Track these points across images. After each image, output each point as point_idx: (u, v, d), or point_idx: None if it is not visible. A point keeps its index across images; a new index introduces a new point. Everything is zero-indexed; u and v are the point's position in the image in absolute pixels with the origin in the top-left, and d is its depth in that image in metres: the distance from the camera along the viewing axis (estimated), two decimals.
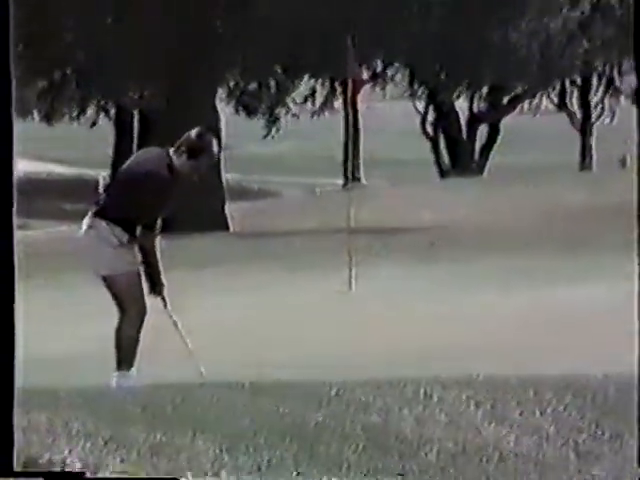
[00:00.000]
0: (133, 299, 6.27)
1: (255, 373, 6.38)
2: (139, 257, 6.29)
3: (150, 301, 6.35)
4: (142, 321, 6.29)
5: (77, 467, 4.26)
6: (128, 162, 6.48)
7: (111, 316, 6.95)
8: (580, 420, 5.20)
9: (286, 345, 8.32)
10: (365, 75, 11.94)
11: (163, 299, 6.45)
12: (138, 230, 6.25)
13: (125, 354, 6.27)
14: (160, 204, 6.28)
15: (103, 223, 6.27)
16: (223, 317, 9.38)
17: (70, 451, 4.39)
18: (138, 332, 6.29)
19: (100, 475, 4.07)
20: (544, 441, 4.98)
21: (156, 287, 6.38)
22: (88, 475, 3.80)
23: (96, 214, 6.34)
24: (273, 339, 8.63)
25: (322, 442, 4.78)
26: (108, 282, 6.31)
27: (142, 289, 6.31)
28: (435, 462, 4.67)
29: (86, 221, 6.40)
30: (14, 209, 3.10)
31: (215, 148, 6.40)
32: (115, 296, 6.32)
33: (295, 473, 4.39)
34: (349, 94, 11.95)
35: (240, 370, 6.65)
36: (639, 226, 3.96)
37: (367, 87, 12.02)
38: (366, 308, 10.25)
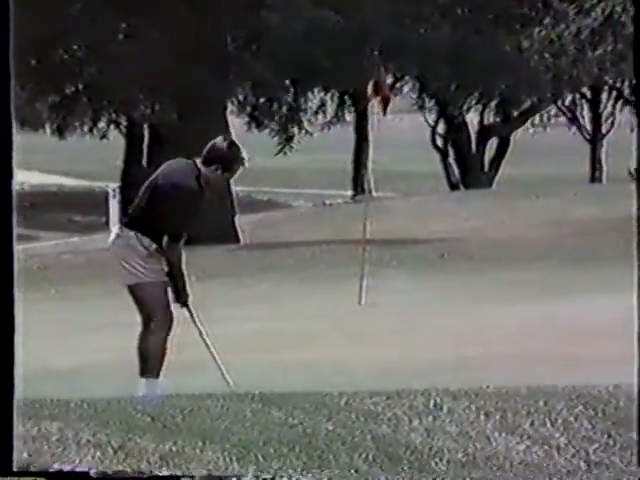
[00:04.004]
0: (161, 307, 6.31)
1: (264, 384, 6.38)
2: (165, 267, 6.32)
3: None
4: (170, 329, 6.33)
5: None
6: (157, 173, 6.48)
7: (121, 327, 6.94)
8: (591, 430, 5.19)
9: (296, 356, 8.32)
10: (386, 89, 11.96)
11: (188, 309, 6.48)
12: (164, 241, 6.28)
13: (152, 362, 6.30)
14: (188, 216, 6.31)
15: (131, 233, 6.30)
16: (232, 329, 9.38)
17: (80, 461, 4.40)
18: (165, 340, 6.33)
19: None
20: (555, 451, 4.97)
21: (181, 297, 6.40)
22: (92, 474, 3.82)
23: (124, 224, 6.37)
24: (283, 350, 8.64)
25: (332, 452, 4.78)
26: (135, 291, 6.34)
27: (168, 298, 6.34)
28: (445, 472, 4.67)
29: (115, 231, 6.44)
30: (14, 221, 3.11)
31: (244, 155, 6.42)
32: (142, 305, 6.35)
33: None
34: (375, 109, 11.98)
35: (249, 381, 6.65)
36: (639, 236, 3.96)
37: (376, 100, 12.02)
38: (376, 319, 10.25)
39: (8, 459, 3.02)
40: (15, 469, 4.22)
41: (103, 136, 26.96)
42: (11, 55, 3.01)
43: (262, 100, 24.08)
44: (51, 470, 3.88)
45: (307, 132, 26.14)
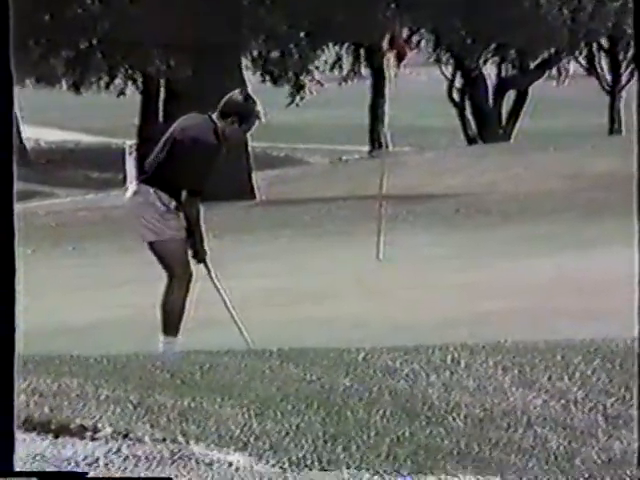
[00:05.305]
0: (179, 265, 6.29)
1: (282, 340, 6.41)
2: (184, 223, 6.30)
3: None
4: (188, 287, 6.31)
5: (108, 432, 4.31)
6: (173, 128, 6.41)
7: (138, 284, 6.94)
8: (609, 384, 5.19)
9: (313, 312, 8.34)
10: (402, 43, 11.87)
11: (206, 266, 6.46)
12: (183, 196, 6.26)
13: (171, 319, 6.30)
14: (206, 170, 6.27)
15: (150, 189, 6.27)
16: (249, 285, 9.41)
17: (100, 417, 4.44)
18: (184, 298, 6.31)
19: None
20: (572, 405, 4.97)
21: (199, 254, 6.38)
22: (91, 474, 3.85)
23: (142, 181, 6.34)
24: (300, 306, 8.66)
25: (349, 408, 4.80)
26: (155, 248, 6.33)
27: (187, 255, 6.32)
28: (462, 427, 4.69)
29: (132, 187, 6.41)
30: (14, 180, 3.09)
31: (260, 108, 6.35)
32: (162, 262, 6.34)
33: (322, 439, 4.42)
34: (391, 63, 11.88)
35: (267, 337, 6.68)
36: (639, 196, 3.94)
37: (392, 54, 11.96)
38: (393, 274, 10.25)
39: (8, 459, 3.02)
40: (35, 425, 4.26)
41: (121, 93, 26.86)
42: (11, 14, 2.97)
43: (276, 53, 23.93)
44: (49, 470, 3.91)
45: (318, 82, 25.95)
